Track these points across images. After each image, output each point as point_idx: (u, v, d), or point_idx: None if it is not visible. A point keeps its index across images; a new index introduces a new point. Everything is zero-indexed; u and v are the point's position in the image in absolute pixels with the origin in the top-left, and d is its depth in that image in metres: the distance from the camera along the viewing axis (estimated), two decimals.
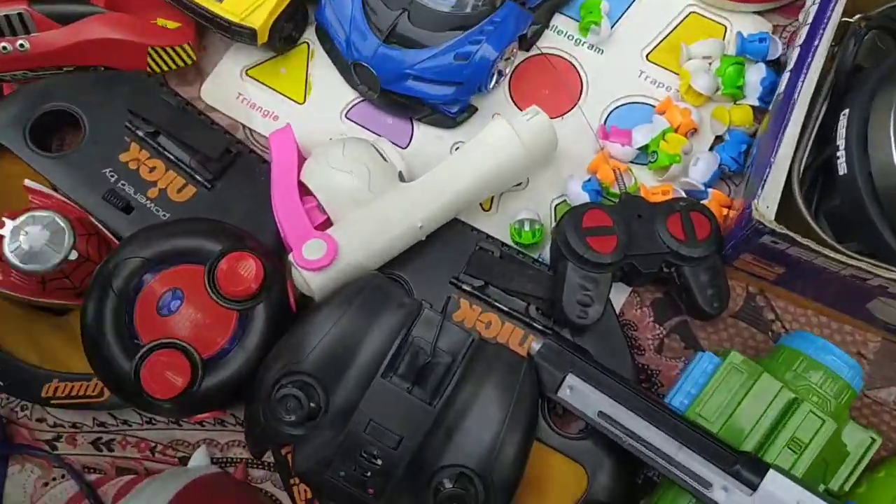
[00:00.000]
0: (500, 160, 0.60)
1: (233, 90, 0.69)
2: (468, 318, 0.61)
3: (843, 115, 0.54)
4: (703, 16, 0.70)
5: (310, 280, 0.57)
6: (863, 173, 0.52)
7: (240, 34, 0.64)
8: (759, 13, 0.70)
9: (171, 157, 0.63)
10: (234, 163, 0.64)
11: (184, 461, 0.62)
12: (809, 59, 0.54)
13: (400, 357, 0.53)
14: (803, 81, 0.54)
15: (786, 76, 0.57)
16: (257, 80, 0.70)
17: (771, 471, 0.49)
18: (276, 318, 0.56)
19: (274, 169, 0.61)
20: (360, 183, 0.59)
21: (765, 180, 0.53)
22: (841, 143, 0.54)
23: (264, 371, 0.54)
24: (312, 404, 0.52)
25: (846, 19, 0.57)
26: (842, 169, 0.53)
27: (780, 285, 0.61)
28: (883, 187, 0.51)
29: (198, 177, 0.63)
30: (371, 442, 0.51)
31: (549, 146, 0.62)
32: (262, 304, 0.56)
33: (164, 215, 0.62)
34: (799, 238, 0.51)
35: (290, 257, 0.58)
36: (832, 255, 0.50)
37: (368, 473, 0.51)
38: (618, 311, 0.63)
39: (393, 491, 0.52)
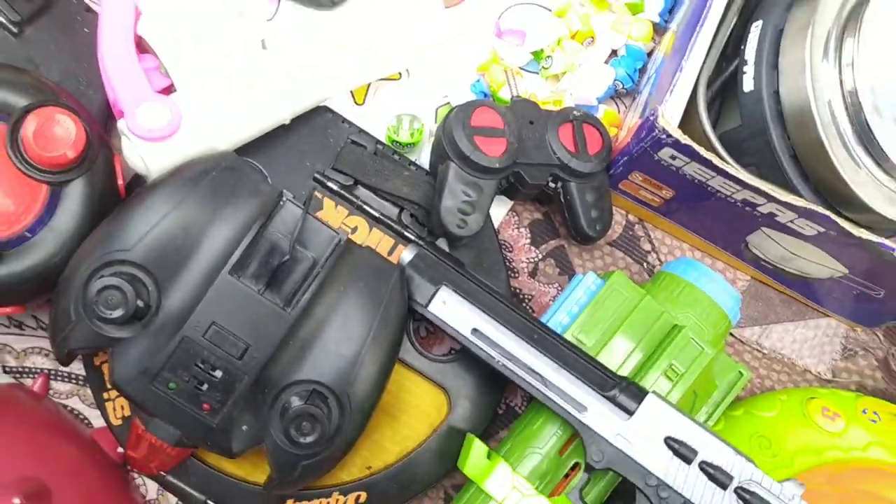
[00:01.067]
0: (379, 26, 0.52)
1: None
2: (332, 220, 0.53)
3: (756, 26, 0.51)
4: None
5: (145, 153, 0.48)
6: (769, 91, 0.49)
7: None
8: None
9: None
10: (49, 6, 0.52)
11: None
12: None
13: (252, 253, 0.45)
14: None
15: None
16: None
17: (649, 395, 0.46)
18: (98, 197, 0.47)
19: (103, 17, 0.49)
20: (211, 38, 0.49)
21: (673, 86, 0.48)
22: (750, 56, 0.50)
23: (81, 257, 0.45)
24: (140, 302, 0.43)
25: None
26: (747, 85, 0.50)
27: (663, 214, 0.58)
28: (790, 108, 0.49)
29: (0, 17, 0.50)
30: (211, 349, 0.44)
31: (436, 19, 0.54)
32: (82, 179, 0.46)
33: None
34: (702, 151, 0.47)
35: (121, 124, 0.48)
36: (732, 172, 0.47)
37: (205, 386, 0.44)
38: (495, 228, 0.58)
39: (233, 408, 0.45)
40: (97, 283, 0.43)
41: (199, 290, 0.44)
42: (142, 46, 0.50)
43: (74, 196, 0.46)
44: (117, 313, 0.43)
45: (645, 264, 0.60)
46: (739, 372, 0.52)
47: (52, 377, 0.52)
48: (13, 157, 0.45)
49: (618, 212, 0.60)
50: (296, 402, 0.44)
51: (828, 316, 0.61)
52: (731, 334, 0.60)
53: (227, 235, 0.45)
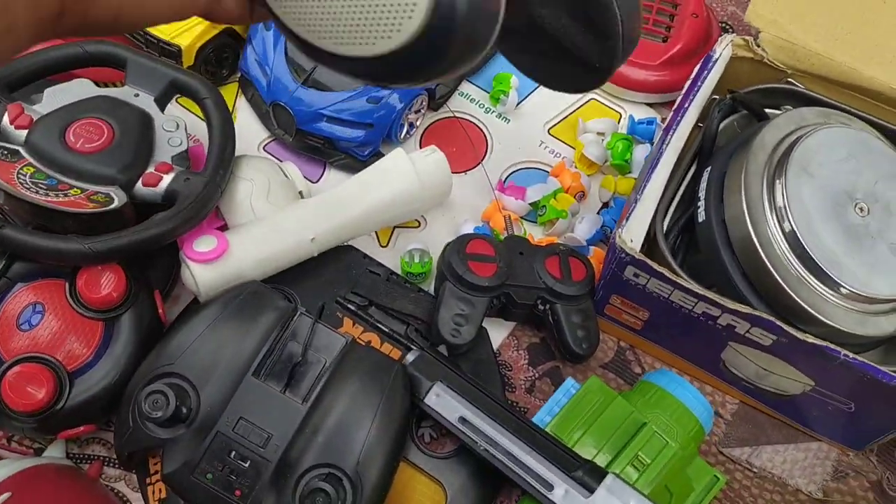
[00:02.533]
0: (395, 188, 0.64)
1: None
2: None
3: (706, 171, 0.60)
4: (602, 103, 0.78)
5: (196, 273, 0.59)
6: (718, 219, 0.57)
7: (168, 52, 0.69)
8: (650, 104, 0.78)
9: None
10: None
11: (40, 453, 0.60)
12: (679, 119, 0.61)
13: (272, 358, 0.54)
14: (673, 134, 0.60)
15: (659, 134, 0.63)
16: (184, 106, 0.74)
17: (609, 476, 0.51)
18: (144, 325, 0.57)
19: None
20: (258, 192, 0.62)
21: (629, 214, 0.57)
22: (702, 194, 0.59)
23: (138, 374, 0.54)
24: (183, 408, 0.51)
25: (715, 96, 0.64)
26: (701, 216, 0.59)
27: (646, 337, 0.65)
28: (735, 235, 0.56)
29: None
30: (239, 441, 0.51)
31: (443, 183, 0.66)
32: (128, 313, 0.57)
33: None
34: (654, 265, 0.55)
35: (181, 253, 0.60)
36: (684, 284, 0.54)
37: (235, 475, 0.51)
38: (495, 350, 0.65)
39: (260, 492, 0.51)
40: (146, 390, 0.51)
41: (229, 391, 0.52)
42: None
43: (125, 327, 0.56)
44: (160, 413, 0.50)
45: (635, 385, 0.66)
46: (715, 476, 0.56)
47: (105, 463, 0.60)
48: (72, 303, 0.56)
49: (609, 338, 0.67)
50: (314, 483, 0.50)
51: (818, 440, 0.64)
52: (722, 453, 0.63)
53: (250, 345, 0.53)
